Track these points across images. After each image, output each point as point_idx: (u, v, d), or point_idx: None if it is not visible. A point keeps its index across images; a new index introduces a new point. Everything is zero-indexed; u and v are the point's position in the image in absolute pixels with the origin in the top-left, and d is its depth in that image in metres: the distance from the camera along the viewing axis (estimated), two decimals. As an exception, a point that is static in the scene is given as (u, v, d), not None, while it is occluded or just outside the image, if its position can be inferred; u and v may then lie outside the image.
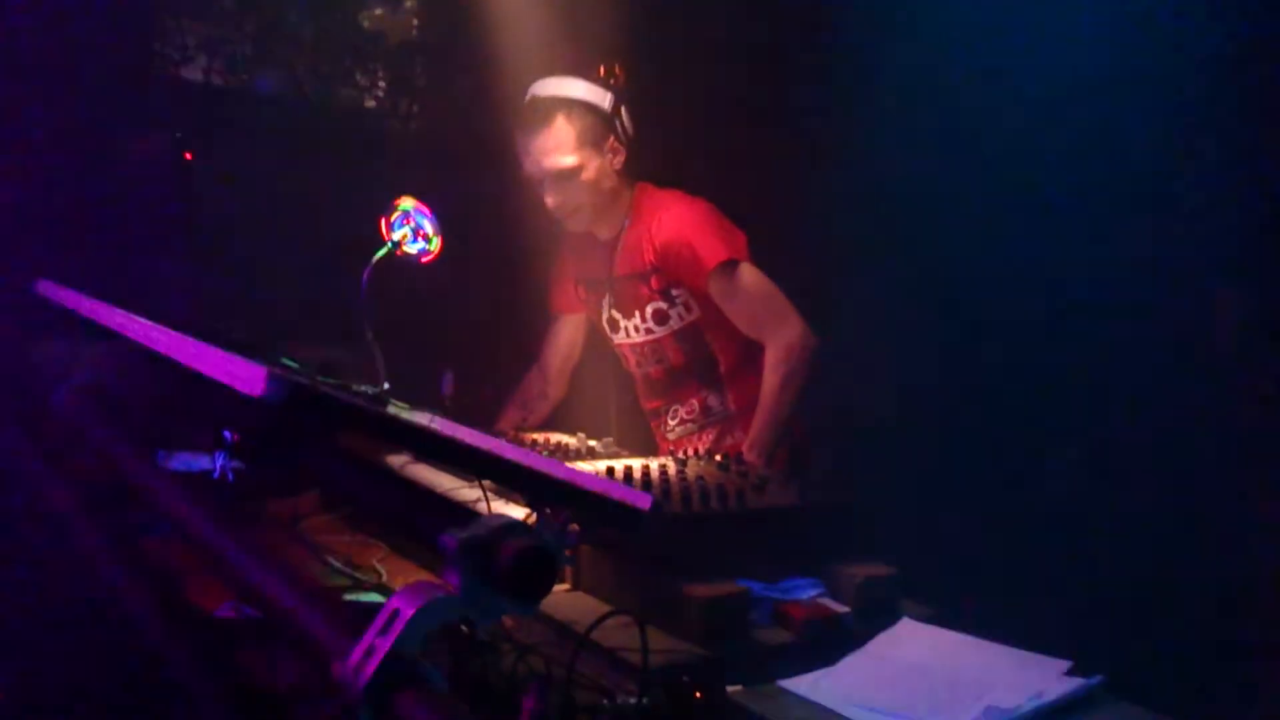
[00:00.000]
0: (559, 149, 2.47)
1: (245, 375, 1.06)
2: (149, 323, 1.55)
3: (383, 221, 2.14)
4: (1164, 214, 2.48)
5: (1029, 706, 1.32)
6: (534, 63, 2.76)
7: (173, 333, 1.38)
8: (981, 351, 2.70)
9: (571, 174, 2.48)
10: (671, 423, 2.73)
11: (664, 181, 2.65)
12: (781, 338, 2.47)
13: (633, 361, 2.74)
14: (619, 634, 1.40)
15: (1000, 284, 2.68)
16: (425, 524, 1.41)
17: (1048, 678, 1.39)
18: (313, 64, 3.53)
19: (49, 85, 2.87)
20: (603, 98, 2.49)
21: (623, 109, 2.52)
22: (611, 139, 2.51)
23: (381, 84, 3.68)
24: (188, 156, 3.02)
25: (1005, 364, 2.68)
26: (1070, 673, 1.40)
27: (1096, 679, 1.39)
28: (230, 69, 3.34)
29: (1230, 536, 2.26)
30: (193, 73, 3.27)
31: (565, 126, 2.47)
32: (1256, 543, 2.23)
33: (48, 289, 2.04)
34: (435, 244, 2.13)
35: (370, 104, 3.66)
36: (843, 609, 1.64)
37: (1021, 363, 2.67)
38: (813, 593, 1.69)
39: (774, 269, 2.52)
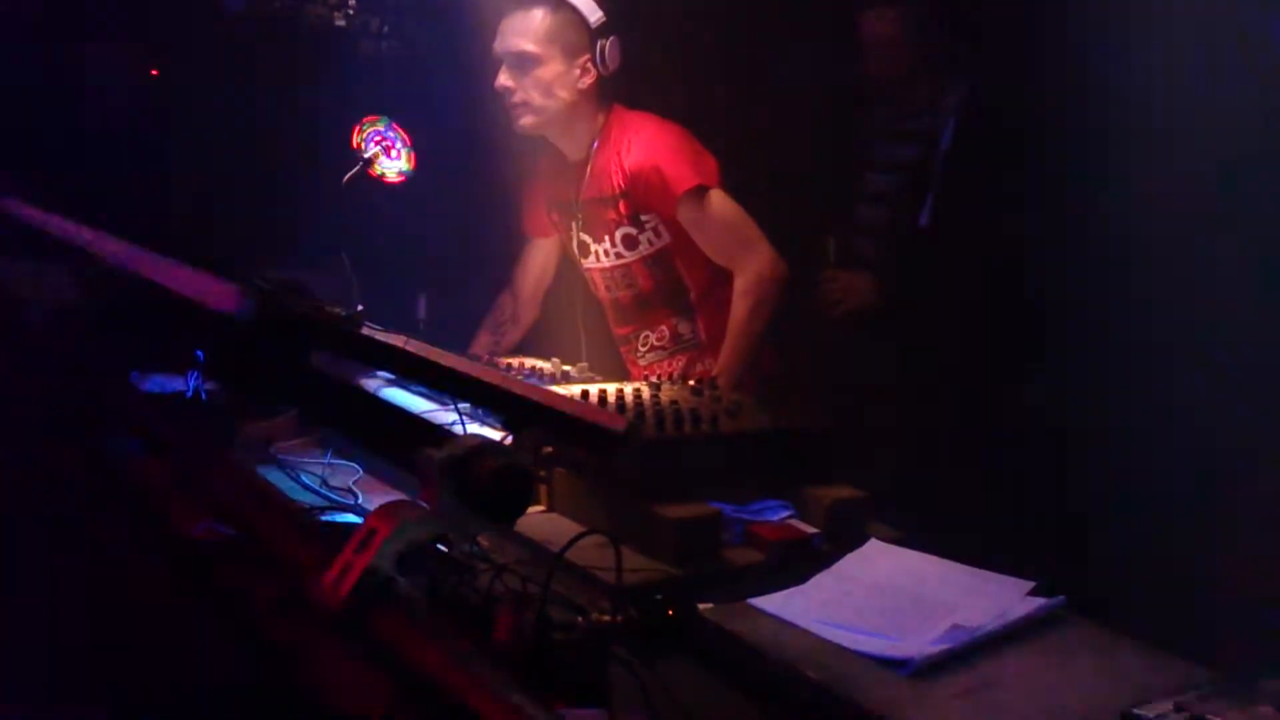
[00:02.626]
0: (526, 33, 2.46)
1: (217, 292, 1.05)
2: (118, 240, 1.53)
3: (354, 139, 2.11)
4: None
5: (993, 625, 1.35)
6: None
7: (143, 250, 1.37)
8: (953, 276, 2.71)
9: (528, 62, 2.46)
10: (642, 349, 2.74)
11: (638, 104, 2.62)
12: (751, 265, 2.48)
13: (602, 287, 2.74)
14: (593, 554, 1.42)
15: (974, 208, 2.67)
16: (402, 444, 1.42)
17: (1011, 598, 1.42)
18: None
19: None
20: (592, 12, 2.48)
21: (611, 40, 2.49)
22: (586, 57, 2.48)
23: (351, 2, 3.59)
24: (154, 73, 2.96)
25: (976, 286, 2.68)
26: (1033, 593, 1.44)
27: (1059, 599, 1.42)
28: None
29: (1194, 458, 2.31)
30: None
31: (542, 16, 2.46)
32: (1221, 464, 2.27)
33: (11, 206, 2.00)
34: (407, 163, 2.10)
35: (340, 22, 3.58)
36: (812, 530, 1.67)
37: (993, 283, 2.68)
38: (783, 514, 1.71)
39: (746, 195, 2.50)
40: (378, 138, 2.10)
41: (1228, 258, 2.38)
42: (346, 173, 2.30)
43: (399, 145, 2.10)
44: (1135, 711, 1.16)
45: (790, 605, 1.41)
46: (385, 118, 2.11)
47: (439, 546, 1.34)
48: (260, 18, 3.37)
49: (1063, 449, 2.48)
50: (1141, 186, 2.48)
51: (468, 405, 1.92)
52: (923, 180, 2.78)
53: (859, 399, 2.82)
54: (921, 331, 2.73)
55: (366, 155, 2.09)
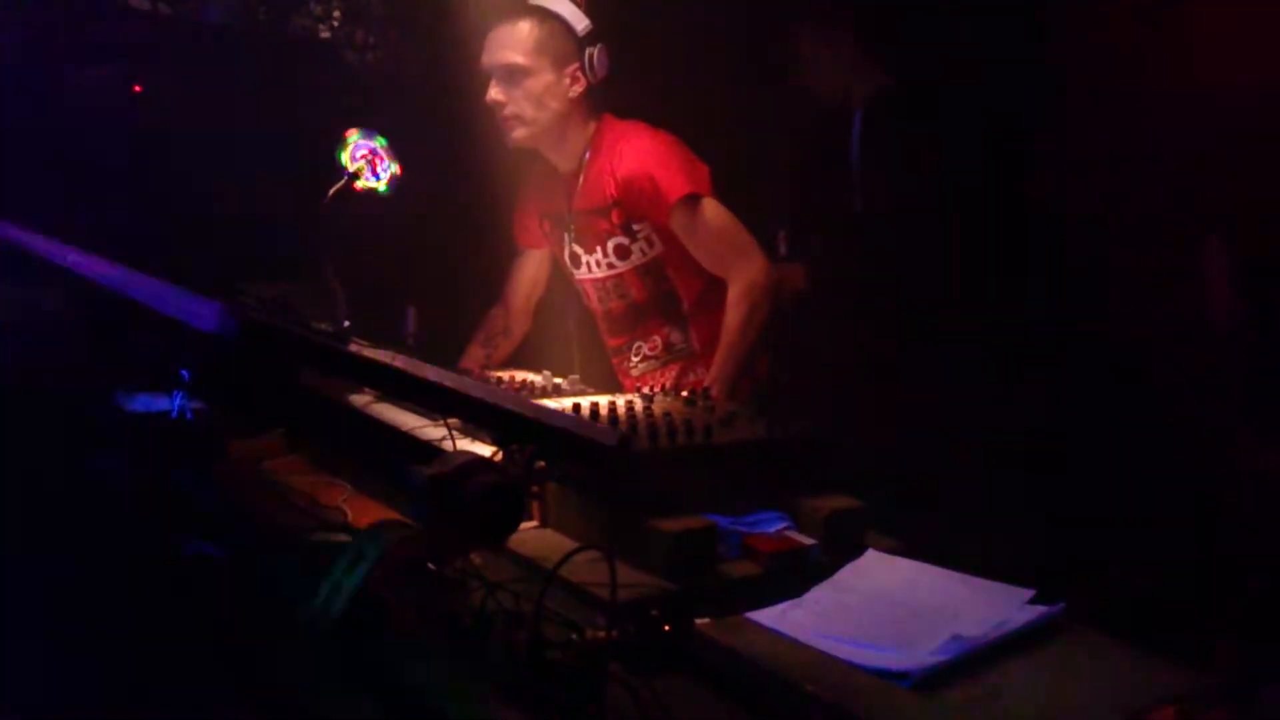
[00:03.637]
0: (514, 45, 2.46)
1: (199, 311, 1.04)
2: (102, 260, 1.51)
3: (339, 153, 2.10)
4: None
5: (993, 634, 1.34)
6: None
7: (126, 270, 1.35)
8: (948, 281, 2.71)
9: (518, 74, 2.46)
10: (635, 359, 2.73)
11: (628, 113, 2.61)
12: (744, 273, 2.47)
13: (595, 297, 2.73)
14: (587, 569, 1.41)
15: (967, 212, 2.67)
16: (391, 462, 1.40)
17: (1011, 606, 1.41)
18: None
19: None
20: (579, 21, 2.48)
21: (599, 48, 2.49)
22: (575, 66, 2.48)
23: (336, 14, 3.58)
24: (136, 89, 2.94)
25: (971, 293, 2.68)
26: (1033, 601, 1.42)
27: (1058, 606, 1.41)
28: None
29: (1192, 466, 2.30)
30: (140, 2, 3.17)
31: (529, 29, 2.46)
32: (1221, 472, 2.26)
33: (-5, 226, 1.99)
34: (392, 177, 2.09)
35: (325, 35, 3.57)
36: (809, 541, 1.65)
37: (988, 290, 2.68)
38: (779, 526, 1.70)
39: (738, 203, 2.50)
40: (363, 151, 2.08)
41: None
42: (331, 186, 2.28)
43: (384, 159, 2.09)
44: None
45: (788, 618, 1.39)
46: (370, 131, 2.10)
47: (430, 565, 1.32)
48: (244, 30, 3.36)
49: (1060, 454, 2.47)
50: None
51: (458, 420, 1.90)
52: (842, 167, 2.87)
53: (854, 405, 2.81)
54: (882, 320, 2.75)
55: (351, 169, 2.07)
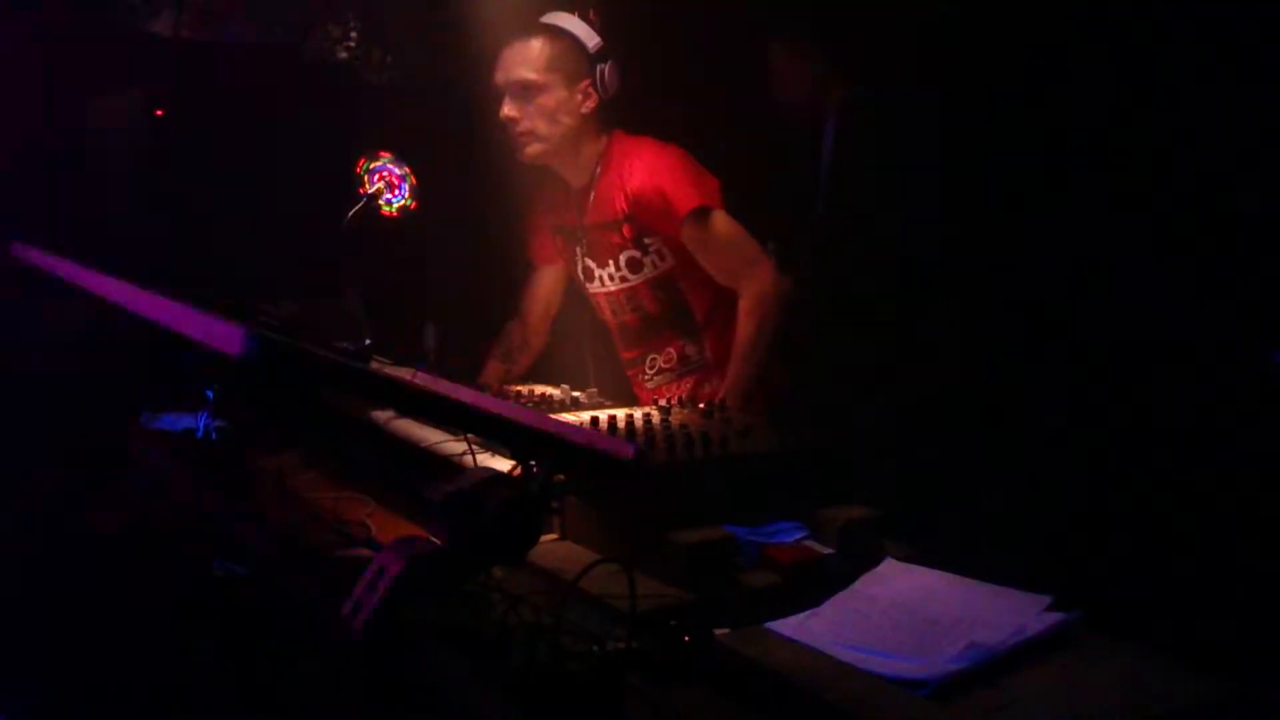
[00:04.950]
0: (527, 62, 2.49)
1: (223, 334, 1.06)
2: (126, 283, 1.54)
3: (358, 175, 2.13)
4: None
5: (1011, 642, 1.34)
6: (509, 8, 2.74)
7: (150, 293, 1.37)
8: (960, 289, 2.70)
9: (531, 90, 2.49)
10: (650, 371, 2.75)
11: (637, 128, 2.63)
12: (754, 284, 2.49)
13: (608, 310, 2.74)
14: (607, 581, 1.42)
15: (984, 215, 2.66)
16: (411, 478, 1.42)
17: (1028, 614, 1.41)
18: (282, 15, 3.46)
19: (17, 43, 2.82)
20: (589, 37, 2.51)
21: (609, 64, 2.51)
22: (586, 82, 2.51)
23: (353, 35, 3.62)
24: (158, 113, 2.98)
25: (985, 299, 2.67)
26: (1050, 608, 1.43)
27: (1076, 614, 1.41)
28: (199, 22, 3.28)
29: (1212, 474, 2.28)
30: (162, 27, 3.21)
31: (541, 46, 2.50)
32: (1240, 479, 2.25)
33: (22, 250, 2.02)
34: (411, 197, 2.11)
35: (342, 56, 3.61)
36: (826, 551, 1.66)
37: (1002, 295, 2.67)
38: (797, 536, 1.70)
39: (748, 215, 2.51)
40: (382, 173, 2.11)
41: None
42: (351, 206, 2.31)
43: (403, 180, 2.12)
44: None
45: (807, 628, 1.40)
46: (399, 160, 2.13)
47: (451, 580, 1.34)
48: (263, 53, 3.40)
49: (1076, 459, 2.46)
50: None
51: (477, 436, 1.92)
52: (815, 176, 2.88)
53: (869, 414, 2.81)
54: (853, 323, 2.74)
55: (371, 191, 2.10)
